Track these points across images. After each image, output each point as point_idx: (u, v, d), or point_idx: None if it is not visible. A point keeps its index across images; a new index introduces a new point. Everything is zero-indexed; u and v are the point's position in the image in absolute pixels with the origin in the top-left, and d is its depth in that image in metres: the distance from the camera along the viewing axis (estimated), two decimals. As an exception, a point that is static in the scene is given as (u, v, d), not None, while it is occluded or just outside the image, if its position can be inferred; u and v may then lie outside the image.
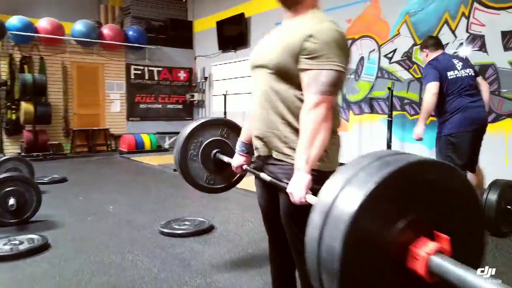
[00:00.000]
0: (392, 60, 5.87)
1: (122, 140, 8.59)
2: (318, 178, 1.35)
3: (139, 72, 9.43)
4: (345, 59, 1.39)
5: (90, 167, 7.02)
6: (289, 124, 1.50)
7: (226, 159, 2.01)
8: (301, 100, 1.45)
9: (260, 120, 1.57)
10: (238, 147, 1.84)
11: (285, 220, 1.59)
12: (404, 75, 5.74)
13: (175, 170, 6.24)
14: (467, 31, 5.03)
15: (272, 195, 1.68)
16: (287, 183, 1.44)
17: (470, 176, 3.56)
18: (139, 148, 8.45)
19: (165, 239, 3.08)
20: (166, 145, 9.66)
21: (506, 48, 4.68)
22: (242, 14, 8.34)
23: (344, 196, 0.86)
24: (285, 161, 1.52)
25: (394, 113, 5.68)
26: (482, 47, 4.88)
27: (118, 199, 4.46)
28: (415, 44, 5.59)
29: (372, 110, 6.17)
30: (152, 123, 9.59)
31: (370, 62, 6.18)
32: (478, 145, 3.55)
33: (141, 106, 9.56)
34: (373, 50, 6.11)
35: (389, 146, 5.54)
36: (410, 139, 5.69)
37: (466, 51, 5.05)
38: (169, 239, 3.09)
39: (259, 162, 1.66)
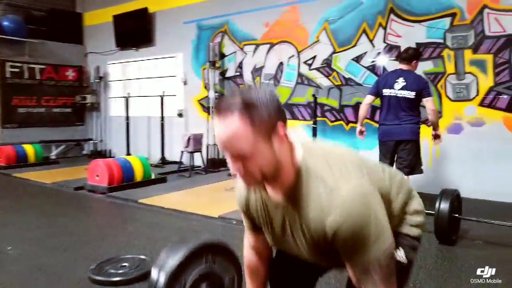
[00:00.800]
0: (312, 67, 5.87)
1: (-3, 152, 7.09)
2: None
3: (16, 70, 7.94)
4: (386, 227, 1.03)
5: (-43, 188, 5.60)
6: None
7: None
8: None
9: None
10: None
11: None
12: (324, 82, 5.78)
13: (76, 189, 5.32)
14: (384, 41, 5.25)
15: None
16: None
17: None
18: (20, 161, 7.07)
19: (103, 291, 2.44)
20: (53, 155, 8.33)
21: (420, 59, 4.97)
22: (145, 9, 7.58)
23: None
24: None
25: (313, 120, 5.66)
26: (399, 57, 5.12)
27: (13, 234, 3.51)
28: (334, 52, 5.66)
29: (293, 116, 6.09)
30: (34, 130, 8.17)
31: (289, 68, 6.09)
32: (399, 155, 3.85)
33: (20, 110, 8.09)
34: (293, 56, 6.03)
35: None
36: (331, 145, 5.75)
37: (383, 60, 5.26)
38: (108, 289, 2.45)
39: None
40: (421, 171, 3.91)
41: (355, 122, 5.52)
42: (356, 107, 5.51)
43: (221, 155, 6.90)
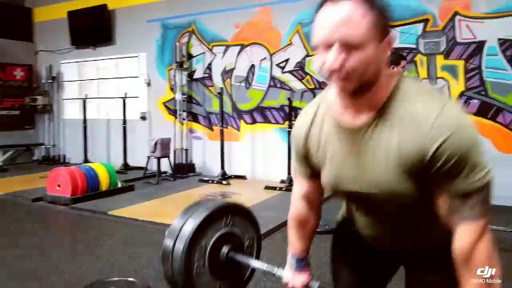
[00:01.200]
0: (285, 70, 5.78)
1: None
2: None
3: (-44, 68, 7.18)
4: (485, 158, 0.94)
5: None
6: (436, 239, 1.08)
7: (255, 263, 1.43)
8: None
9: (387, 239, 1.15)
10: (296, 263, 1.29)
11: None
12: (298, 85, 5.71)
13: (34, 200, 4.86)
14: (358, 45, 5.25)
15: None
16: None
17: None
18: (-37, 169, 6.39)
19: (90, 322, 2.17)
20: (0, 162, 7.61)
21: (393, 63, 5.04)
22: (104, 6, 7.13)
23: None
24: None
25: (288, 123, 5.59)
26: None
27: (-32, 257, 3.09)
28: (307, 55, 5.61)
29: (265, 120, 5.98)
30: (-22, 135, 7.44)
31: (261, 71, 5.97)
32: None
33: (-39, 113, 7.33)
34: (265, 58, 5.91)
35: (289, 157, 5.42)
36: (304, 149, 5.70)
37: (357, 64, 5.27)
38: (96, 320, 2.19)
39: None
40: None
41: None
42: (330, 110, 5.49)
43: (189, 159, 6.64)
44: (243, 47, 6.08)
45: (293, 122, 5.50)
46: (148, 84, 7.07)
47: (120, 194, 5.10)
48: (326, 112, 1.06)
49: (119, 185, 5.29)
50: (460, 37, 4.62)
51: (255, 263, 1.42)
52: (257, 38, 5.95)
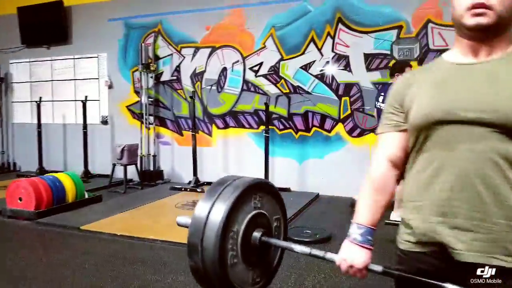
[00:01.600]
0: (259, 74, 5.68)
1: None
2: None
3: None
4: None
5: None
6: None
7: (297, 247, 1.28)
8: None
9: (475, 204, 0.98)
10: (361, 236, 1.13)
11: None
12: (272, 89, 5.64)
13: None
14: (332, 50, 5.29)
15: None
16: None
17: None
18: None
19: None
20: None
21: (368, 69, 5.13)
22: (60, 2, 6.63)
23: None
24: None
25: (262, 127, 5.51)
26: (347, 67, 5.23)
27: None
28: (282, 59, 5.55)
29: (238, 124, 5.84)
30: None
31: (234, 74, 5.82)
32: None
33: None
34: (237, 61, 5.78)
35: (266, 162, 5.33)
36: (280, 154, 5.66)
37: (332, 69, 5.31)
38: None
39: (434, 263, 1.05)
40: None
41: (304, 131, 5.51)
42: (305, 115, 5.48)
43: (156, 166, 6.35)
44: (214, 49, 5.90)
45: (270, 127, 5.42)
46: (110, 87, 6.67)
47: (88, 206, 4.74)
48: (439, 62, 1.15)
49: (87, 195, 4.92)
50: (433, 44, 4.77)
51: (297, 247, 1.27)
52: (229, 41, 5.80)
